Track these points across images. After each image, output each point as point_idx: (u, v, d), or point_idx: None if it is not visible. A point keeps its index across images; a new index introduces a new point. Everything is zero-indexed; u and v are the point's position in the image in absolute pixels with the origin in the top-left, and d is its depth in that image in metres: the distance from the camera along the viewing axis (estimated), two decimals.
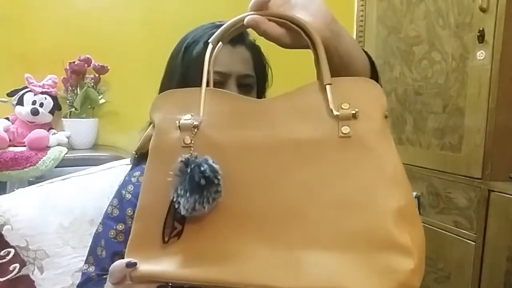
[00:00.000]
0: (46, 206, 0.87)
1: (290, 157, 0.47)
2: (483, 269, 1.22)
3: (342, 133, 0.46)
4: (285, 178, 0.47)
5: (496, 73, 1.16)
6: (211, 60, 0.54)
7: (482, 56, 1.20)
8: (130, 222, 0.72)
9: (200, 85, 0.65)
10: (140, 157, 0.79)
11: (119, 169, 0.97)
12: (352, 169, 0.46)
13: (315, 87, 0.50)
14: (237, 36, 0.75)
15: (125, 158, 1.09)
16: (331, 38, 0.52)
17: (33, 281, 0.86)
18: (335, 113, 0.47)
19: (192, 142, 0.49)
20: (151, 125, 0.55)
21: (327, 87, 0.48)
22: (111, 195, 0.84)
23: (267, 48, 0.81)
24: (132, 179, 0.78)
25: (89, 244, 0.81)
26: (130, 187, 0.76)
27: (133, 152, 0.64)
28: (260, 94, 0.82)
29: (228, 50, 0.74)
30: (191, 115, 0.50)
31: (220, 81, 0.72)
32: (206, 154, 0.48)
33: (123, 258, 0.68)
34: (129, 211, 0.74)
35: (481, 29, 1.19)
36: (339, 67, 0.54)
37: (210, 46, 0.54)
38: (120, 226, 0.74)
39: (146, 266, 0.48)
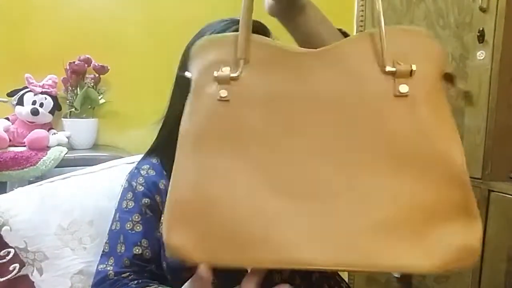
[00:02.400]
0: (45, 207, 0.86)
1: (335, 115, 0.43)
2: (483, 269, 1.22)
3: (399, 92, 0.42)
4: (331, 136, 0.43)
5: (496, 73, 1.16)
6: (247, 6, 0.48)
7: (482, 56, 1.20)
8: (146, 212, 0.71)
9: None
10: (149, 152, 0.79)
11: (120, 168, 0.96)
12: (409, 130, 0.42)
13: (365, 37, 0.45)
14: (258, 33, 0.75)
15: (125, 157, 1.08)
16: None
17: (33, 282, 0.85)
18: (390, 69, 0.43)
19: (229, 95, 0.45)
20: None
21: (382, 36, 0.44)
22: (112, 195, 0.84)
23: None
24: (142, 172, 0.75)
25: (89, 245, 0.81)
26: (140, 179, 0.74)
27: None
28: None
29: None
30: (229, 67, 0.46)
31: None
32: (245, 108, 0.44)
33: (142, 248, 0.68)
34: (146, 201, 0.72)
35: (481, 29, 1.18)
36: (300, 42, 0.53)
37: None
38: (136, 217, 0.71)
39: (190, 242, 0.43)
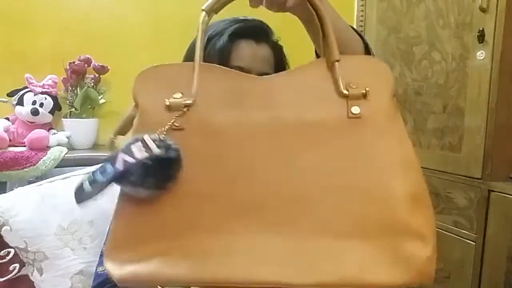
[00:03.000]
0: (45, 207, 0.87)
1: (295, 140, 0.44)
2: (483, 269, 1.22)
3: (352, 113, 0.44)
4: (290, 162, 0.43)
5: (496, 73, 1.16)
6: (204, 30, 0.49)
7: (482, 56, 1.20)
8: None
9: None
10: None
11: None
12: (363, 152, 0.43)
13: (320, 64, 0.47)
14: (261, 33, 0.75)
15: None
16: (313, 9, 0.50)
17: (33, 282, 0.85)
18: (345, 92, 0.44)
19: (182, 124, 0.43)
20: (134, 105, 0.47)
21: (336, 64, 0.46)
22: (112, 195, 0.83)
23: (288, 49, 0.81)
24: None
25: (89, 245, 0.81)
26: None
27: (111, 136, 0.54)
28: None
29: (251, 46, 0.72)
30: (181, 93, 0.45)
31: None
32: (199, 137, 0.43)
33: None
34: None
35: (481, 29, 1.19)
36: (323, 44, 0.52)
37: (203, 14, 0.49)
38: None
39: (133, 267, 0.41)
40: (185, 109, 0.44)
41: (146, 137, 0.41)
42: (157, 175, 0.41)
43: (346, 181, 0.43)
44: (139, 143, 0.40)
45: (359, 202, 0.42)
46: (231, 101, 0.45)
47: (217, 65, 0.49)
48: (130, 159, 0.40)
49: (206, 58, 0.70)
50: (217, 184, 0.42)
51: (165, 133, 0.43)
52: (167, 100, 0.44)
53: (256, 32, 0.74)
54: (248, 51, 0.71)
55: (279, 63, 0.78)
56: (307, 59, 0.85)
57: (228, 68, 0.49)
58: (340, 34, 0.52)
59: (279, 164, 0.43)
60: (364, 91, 0.44)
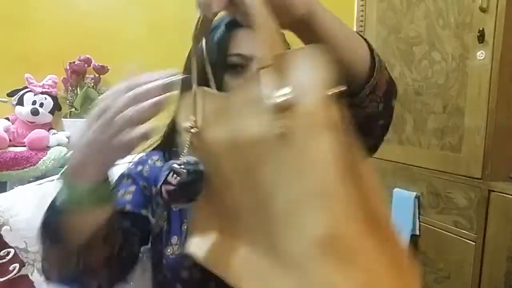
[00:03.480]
0: (46, 206, 0.86)
1: (241, 162, 0.45)
2: (483, 269, 1.22)
3: (278, 129, 0.37)
4: (237, 182, 0.46)
5: (496, 73, 1.16)
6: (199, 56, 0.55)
7: (482, 56, 1.20)
8: (143, 190, 0.71)
9: (220, 69, 0.65)
10: (161, 144, 0.78)
11: (121, 167, 0.95)
12: (285, 178, 0.38)
13: (254, 78, 0.40)
14: None
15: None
16: (305, 16, 0.46)
17: (33, 282, 0.85)
18: (269, 103, 0.37)
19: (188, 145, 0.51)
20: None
21: (261, 71, 0.39)
22: None
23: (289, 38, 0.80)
24: (149, 161, 0.76)
25: None
26: (147, 167, 0.75)
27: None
28: None
29: (250, 32, 0.71)
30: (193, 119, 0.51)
31: (242, 65, 0.69)
32: (200, 157, 0.50)
33: (124, 211, 0.67)
34: (143, 183, 0.72)
35: (481, 29, 1.18)
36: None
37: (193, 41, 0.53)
38: (131, 188, 0.71)
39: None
40: (191, 132, 0.50)
41: (175, 166, 0.48)
42: (188, 193, 0.49)
43: (271, 210, 0.40)
44: (171, 172, 0.48)
45: (278, 236, 0.40)
46: (213, 120, 0.49)
47: (205, 88, 0.53)
48: (170, 188, 0.48)
49: (208, 52, 0.68)
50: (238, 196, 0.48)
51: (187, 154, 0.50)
52: (187, 123, 0.51)
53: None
54: (246, 38, 0.69)
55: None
56: None
57: (209, 90, 0.53)
58: (345, 43, 0.51)
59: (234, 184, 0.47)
60: (290, 102, 0.36)
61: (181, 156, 0.50)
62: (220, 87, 0.65)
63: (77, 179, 0.47)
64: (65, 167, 0.50)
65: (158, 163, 0.76)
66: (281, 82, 0.37)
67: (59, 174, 0.53)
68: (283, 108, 0.36)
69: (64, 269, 0.54)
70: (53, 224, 0.53)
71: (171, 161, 0.49)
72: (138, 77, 0.47)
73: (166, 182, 0.49)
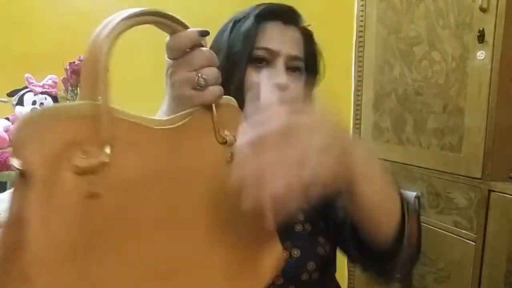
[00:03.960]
0: None
1: (190, 187, 0.43)
2: (483, 269, 1.22)
3: (230, 157, 0.45)
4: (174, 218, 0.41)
5: (496, 73, 1.16)
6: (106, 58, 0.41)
7: (482, 56, 1.20)
8: None
9: (243, 61, 0.64)
10: None
11: None
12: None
13: (199, 110, 0.46)
14: (289, 15, 0.70)
15: None
16: (343, 178, 0.43)
17: None
18: (222, 139, 0.46)
19: (99, 188, 0.33)
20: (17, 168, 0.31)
21: (213, 109, 0.46)
22: None
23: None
24: None
25: None
26: None
27: None
28: (309, 84, 0.73)
29: (279, 27, 0.68)
30: (88, 150, 0.33)
31: (267, 59, 0.66)
32: (116, 201, 0.35)
33: None
34: None
35: (481, 29, 1.18)
36: (355, 216, 0.50)
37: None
38: None
39: None
40: (99, 171, 0.33)
41: None
42: None
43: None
44: None
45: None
46: (138, 153, 0.38)
47: (119, 110, 0.39)
48: None
49: (230, 43, 0.67)
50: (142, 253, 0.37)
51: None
52: (73, 160, 0.32)
53: (284, 13, 0.70)
54: (275, 33, 0.67)
55: (309, 49, 0.73)
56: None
57: (130, 115, 0.40)
58: (377, 214, 0.50)
59: (170, 220, 0.40)
60: (234, 138, 0.45)
61: None
62: (241, 81, 0.64)
63: None
64: None
65: None
66: (225, 124, 0.48)
67: None
68: (234, 142, 0.46)
69: None
70: None
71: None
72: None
73: None
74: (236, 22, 0.69)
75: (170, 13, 0.47)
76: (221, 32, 0.71)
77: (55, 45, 1.57)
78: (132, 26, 0.45)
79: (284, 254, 0.61)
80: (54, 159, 0.31)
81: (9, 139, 1.39)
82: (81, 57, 1.59)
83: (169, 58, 0.49)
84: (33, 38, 1.56)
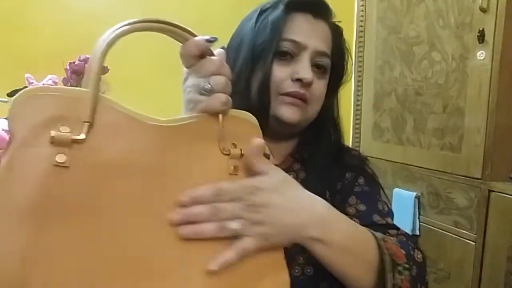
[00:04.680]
0: None
1: (176, 185, 0.42)
2: (483, 269, 1.22)
3: (231, 170, 0.45)
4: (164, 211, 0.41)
5: (496, 73, 1.16)
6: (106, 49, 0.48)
7: (482, 56, 1.20)
8: None
9: (269, 57, 0.61)
10: None
11: None
12: None
13: (205, 117, 0.46)
14: (320, 8, 0.66)
15: None
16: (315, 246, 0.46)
17: None
18: (226, 151, 0.46)
19: (67, 161, 0.37)
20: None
21: (220, 118, 0.46)
22: None
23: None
24: None
25: None
26: None
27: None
28: (333, 85, 0.70)
29: (308, 20, 0.64)
30: (69, 127, 0.38)
31: (293, 52, 0.63)
32: (84, 177, 0.38)
33: None
34: None
35: (481, 29, 1.18)
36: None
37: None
38: None
39: None
40: (72, 146, 0.38)
41: None
42: None
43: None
44: None
45: None
46: (121, 142, 0.41)
47: (111, 100, 0.43)
48: None
49: (256, 32, 0.64)
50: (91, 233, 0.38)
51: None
52: (53, 131, 0.37)
53: (315, 6, 0.66)
54: (304, 25, 0.63)
55: (338, 47, 0.69)
56: None
57: (122, 106, 0.44)
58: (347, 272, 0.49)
59: (151, 212, 0.41)
60: (241, 152, 0.46)
61: None
62: (267, 74, 0.62)
63: None
64: None
65: None
66: (232, 136, 0.48)
67: None
68: (237, 156, 0.47)
69: None
70: None
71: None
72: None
73: None
74: (263, 11, 0.65)
75: (175, 22, 0.49)
76: (245, 22, 0.68)
77: (55, 45, 1.57)
78: (132, 32, 0.49)
79: (296, 271, 0.60)
80: (36, 127, 0.37)
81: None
82: (81, 57, 1.59)
83: (185, 67, 0.49)
84: (33, 38, 1.56)
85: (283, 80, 0.63)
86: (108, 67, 1.69)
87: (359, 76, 1.76)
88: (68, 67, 1.56)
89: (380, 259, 0.51)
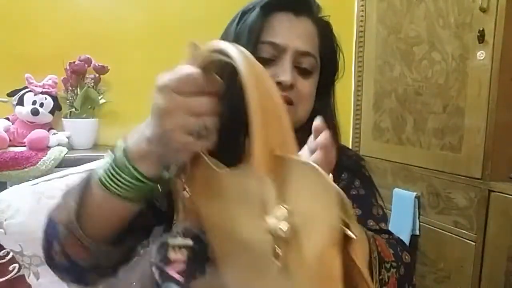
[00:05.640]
0: (41, 208, 0.82)
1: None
2: (483, 269, 1.22)
3: (274, 256, 0.33)
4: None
5: (496, 73, 1.16)
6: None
7: (482, 56, 1.20)
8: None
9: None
10: None
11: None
12: None
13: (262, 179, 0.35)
14: (302, 4, 0.63)
15: None
16: None
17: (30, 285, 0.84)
18: (268, 227, 0.32)
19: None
20: None
21: (267, 181, 0.33)
22: None
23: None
24: None
25: None
26: None
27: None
28: (324, 84, 0.67)
29: (289, 19, 0.62)
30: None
31: (273, 55, 0.60)
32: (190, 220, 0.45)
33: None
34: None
35: (481, 29, 1.18)
36: None
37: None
38: None
39: None
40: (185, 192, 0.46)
41: (172, 241, 0.42)
42: (203, 262, 0.42)
43: None
44: (171, 248, 0.42)
45: None
46: (205, 193, 0.44)
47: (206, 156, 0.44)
48: (180, 267, 0.41)
49: (236, 35, 0.62)
50: None
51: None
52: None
53: (295, 3, 0.62)
54: (283, 25, 0.60)
55: (326, 43, 0.66)
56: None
57: (210, 158, 0.43)
58: None
59: None
60: (287, 235, 0.31)
61: (174, 224, 0.43)
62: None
63: (131, 160, 0.45)
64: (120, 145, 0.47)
65: None
66: (280, 191, 0.32)
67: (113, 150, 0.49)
68: (282, 240, 0.31)
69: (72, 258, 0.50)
70: (76, 203, 0.48)
71: (159, 238, 0.43)
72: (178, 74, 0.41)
73: (168, 262, 0.41)
74: (244, 13, 0.63)
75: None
76: (229, 25, 0.65)
77: (55, 45, 1.57)
78: None
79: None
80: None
81: (9, 139, 1.39)
82: (81, 57, 1.59)
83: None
84: (33, 38, 1.56)
85: None
86: (108, 67, 1.69)
87: (359, 76, 1.76)
88: (68, 67, 1.56)
89: (369, 255, 0.51)
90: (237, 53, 0.35)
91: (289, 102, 0.61)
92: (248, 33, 0.60)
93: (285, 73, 0.60)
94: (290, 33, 0.61)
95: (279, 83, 0.60)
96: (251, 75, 0.33)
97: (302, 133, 0.67)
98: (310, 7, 0.65)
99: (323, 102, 0.68)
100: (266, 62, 0.60)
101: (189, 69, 0.41)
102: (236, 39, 0.61)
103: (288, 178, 0.32)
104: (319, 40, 0.65)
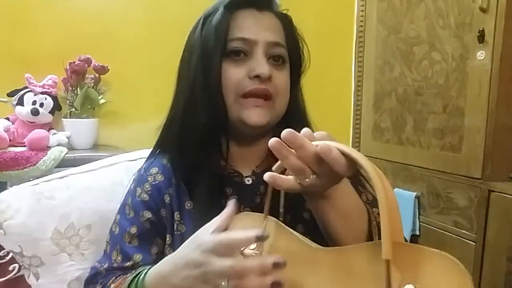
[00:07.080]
0: (41, 209, 0.81)
1: None
2: (483, 269, 1.22)
3: None
4: None
5: (496, 73, 1.16)
6: None
7: (482, 56, 1.20)
8: (145, 225, 0.66)
9: (219, 56, 0.59)
10: (157, 147, 0.71)
11: (122, 166, 0.92)
12: None
13: (371, 251, 0.41)
14: (262, 1, 0.65)
15: (127, 152, 1.03)
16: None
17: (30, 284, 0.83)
18: None
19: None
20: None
21: (389, 264, 0.37)
22: (112, 196, 0.81)
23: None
24: (149, 178, 0.68)
25: (86, 251, 0.78)
26: (147, 186, 0.67)
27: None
28: (295, 74, 0.68)
29: (253, 15, 0.63)
30: (256, 244, 0.48)
31: (245, 50, 0.61)
32: None
33: (134, 262, 0.64)
34: (146, 214, 0.66)
35: (481, 29, 1.18)
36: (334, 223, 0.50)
37: None
38: (134, 229, 0.65)
39: None
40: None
41: None
42: None
43: None
44: None
45: None
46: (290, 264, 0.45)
47: (284, 226, 0.51)
48: None
49: (204, 39, 0.63)
50: None
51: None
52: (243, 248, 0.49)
53: (256, 0, 0.64)
54: (249, 20, 0.62)
55: (290, 34, 0.67)
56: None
57: (292, 231, 0.50)
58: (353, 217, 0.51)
59: None
60: None
61: None
62: (218, 77, 0.60)
63: None
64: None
65: (159, 177, 0.68)
66: (404, 280, 0.36)
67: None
68: None
69: None
70: None
71: None
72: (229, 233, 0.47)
73: None
74: (207, 17, 0.64)
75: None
76: (193, 31, 0.67)
77: (55, 45, 1.57)
78: None
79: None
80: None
81: (9, 139, 1.39)
82: (81, 57, 1.59)
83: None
84: (33, 38, 1.56)
85: (241, 80, 0.60)
86: (108, 67, 1.70)
87: (359, 76, 1.76)
88: (68, 67, 1.56)
89: (368, 227, 0.52)
90: (364, 158, 0.40)
91: (269, 95, 0.61)
92: (216, 32, 0.61)
93: (261, 65, 0.60)
94: (257, 26, 0.62)
95: (257, 76, 0.60)
96: (377, 177, 0.38)
97: (279, 129, 0.67)
98: (270, 2, 0.66)
99: (293, 97, 0.68)
100: (240, 58, 0.61)
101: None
102: (203, 42, 0.62)
103: (414, 262, 0.38)
104: (284, 33, 0.66)
